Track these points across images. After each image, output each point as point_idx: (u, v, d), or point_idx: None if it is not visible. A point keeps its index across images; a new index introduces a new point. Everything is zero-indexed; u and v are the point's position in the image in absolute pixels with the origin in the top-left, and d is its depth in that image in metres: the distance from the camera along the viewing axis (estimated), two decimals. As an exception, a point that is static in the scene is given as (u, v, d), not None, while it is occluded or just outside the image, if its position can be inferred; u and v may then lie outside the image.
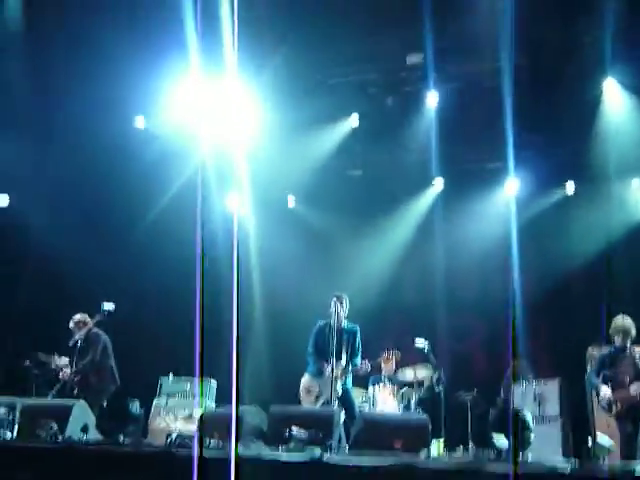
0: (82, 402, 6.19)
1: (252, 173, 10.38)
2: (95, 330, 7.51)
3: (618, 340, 6.42)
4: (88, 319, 7.51)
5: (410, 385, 8.23)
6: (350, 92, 9.44)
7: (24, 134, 8.68)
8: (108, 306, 7.45)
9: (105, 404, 7.22)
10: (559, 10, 7.78)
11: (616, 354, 6.43)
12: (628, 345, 6.37)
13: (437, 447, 7.26)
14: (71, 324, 7.48)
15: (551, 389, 7.92)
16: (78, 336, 7.32)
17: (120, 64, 8.51)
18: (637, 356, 6.32)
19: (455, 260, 10.44)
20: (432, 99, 9.09)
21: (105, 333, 7.64)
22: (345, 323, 6.89)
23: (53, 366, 7.33)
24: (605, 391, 6.28)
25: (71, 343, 7.24)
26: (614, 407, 6.21)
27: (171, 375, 9.19)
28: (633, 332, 6.39)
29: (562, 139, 9.39)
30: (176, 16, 7.56)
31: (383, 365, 8.59)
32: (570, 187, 9.92)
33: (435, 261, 10.41)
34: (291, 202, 11.27)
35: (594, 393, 6.56)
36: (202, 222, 6.76)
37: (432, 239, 10.52)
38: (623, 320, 6.47)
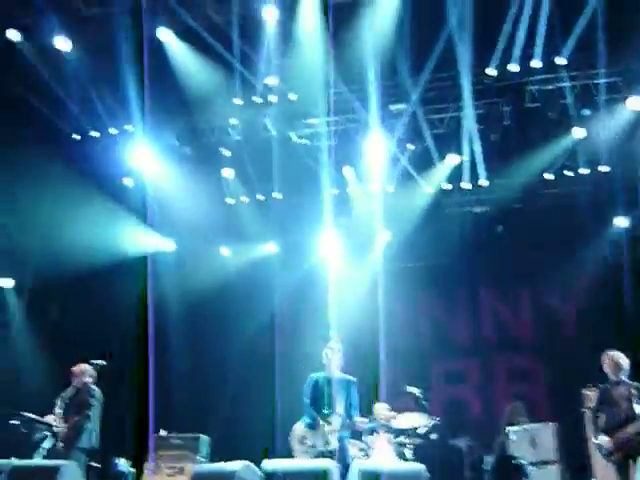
0: (72, 463, 6.06)
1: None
2: (92, 385, 7.28)
3: (612, 375, 6.35)
4: (91, 371, 7.26)
5: (406, 433, 8.09)
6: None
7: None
8: (98, 361, 7.30)
9: (94, 463, 7.00)
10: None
11: (610, 389, 6.35)
12: (622, 379, 6.29)
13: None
14: (74, 373, 7.18)
15: (546, 433, 7.84)
16: (75, 387, 7.04)
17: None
18: (632, 390, 6.20)
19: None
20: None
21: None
22: (340, 375, 6.77)
23: (42, 424, 7.04)
24: (604, 441, 6.18)
25: (67, 394, 6.91)
26: (614, 456, 6.12)
27: (162, 431, 9.04)
28: (624, 365, 6.33)
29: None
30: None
31: (377, 413, 8.46)
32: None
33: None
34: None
35: (594, 439, 6.41)
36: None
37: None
38: (613, 354, 6.43)
